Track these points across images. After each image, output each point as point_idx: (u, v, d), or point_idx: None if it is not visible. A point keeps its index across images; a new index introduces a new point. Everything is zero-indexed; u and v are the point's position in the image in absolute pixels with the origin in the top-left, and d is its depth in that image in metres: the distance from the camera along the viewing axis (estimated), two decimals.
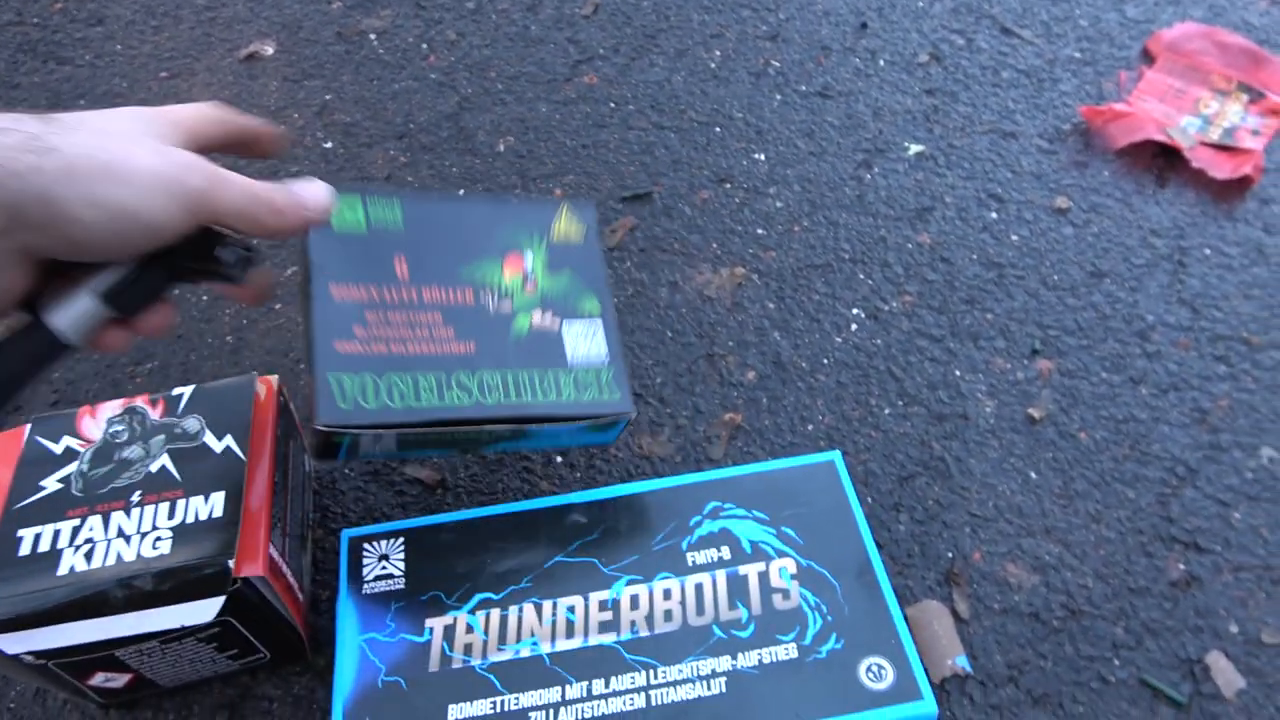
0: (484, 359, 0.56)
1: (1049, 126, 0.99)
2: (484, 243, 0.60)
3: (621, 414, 0.58)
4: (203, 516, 0.54)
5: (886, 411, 0.76)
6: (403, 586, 0.60)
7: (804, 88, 1.03)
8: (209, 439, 0.58)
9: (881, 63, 1.05)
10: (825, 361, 0.79)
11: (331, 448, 0.54)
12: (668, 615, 0.59)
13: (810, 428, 0.74)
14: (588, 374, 0.59)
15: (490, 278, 0.59)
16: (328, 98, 1.01)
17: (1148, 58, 1.06)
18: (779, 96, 1.02)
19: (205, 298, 0.83)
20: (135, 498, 0.55)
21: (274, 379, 0.63)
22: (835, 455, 0.67)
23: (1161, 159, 0.96)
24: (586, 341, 0.60)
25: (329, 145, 0.96)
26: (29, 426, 0.60)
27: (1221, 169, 0.93)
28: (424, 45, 1.07)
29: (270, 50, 1.06)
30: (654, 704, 0.55)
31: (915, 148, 0.96)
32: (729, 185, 0.93)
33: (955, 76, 1.04)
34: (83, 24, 1.09)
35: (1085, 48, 1.08)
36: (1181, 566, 0.67)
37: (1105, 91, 1.02)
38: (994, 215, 0.90)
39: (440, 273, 0.57)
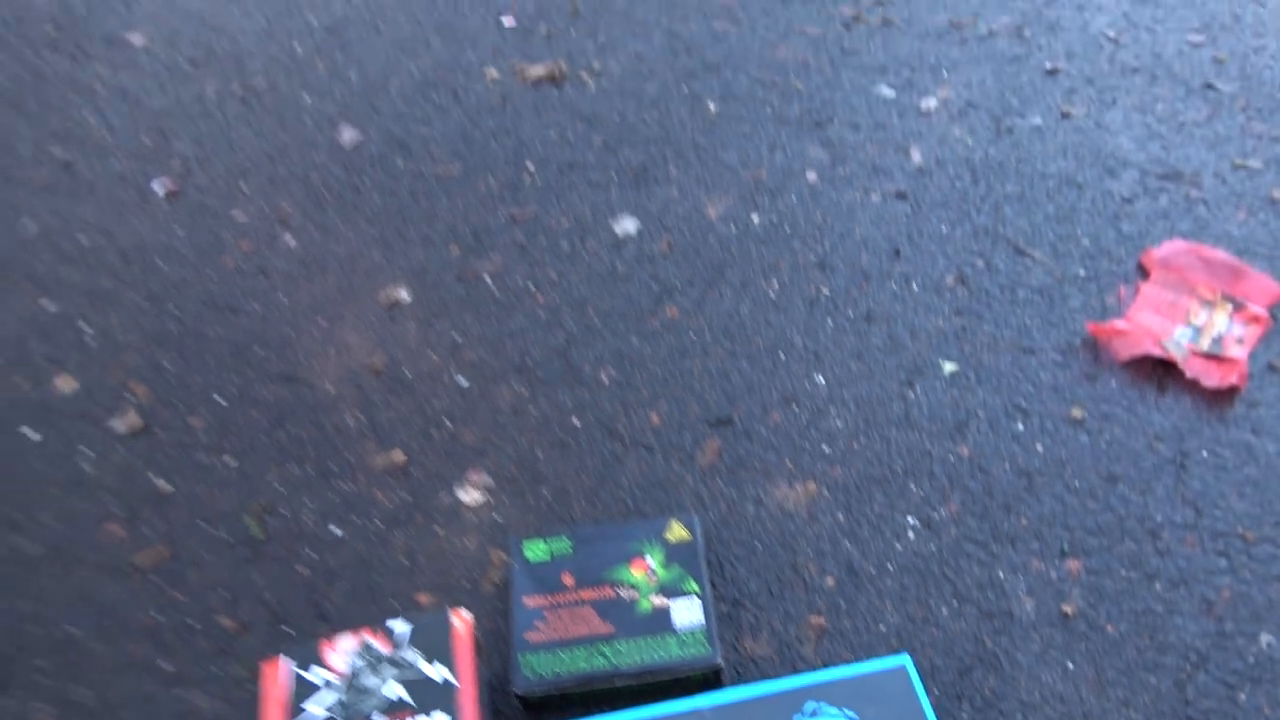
0: (619, 633, 0.85)
1: (1062, 341, 1.18)
2: (621, 552, 0.92)
3: (713, 664, 0.83)
4: None
5: (944, 611, 0.92)
6: None
7: (851, 313, 1.23)
8: (426, 666, 0.76)
9: (915, 287, 1.25)
10: (890, 567, 0.96)
11: (525, 704, 0.84)
12: None
13: (882, 628, 0.91)
14: (688, 635, 0.85)
15: (624, 576, 0.88)
16: (456, 338, 1.22)
17: (1143, 271, 1.26)
18: (830, 321, 1.22)
19: (381, 524, 1.02)
20: None
21: (466, 614, 0.81)
22: (905, 660, 0.84)
23: (1161, 368, 1.14)
24: (689, 613, 0.86)
25: (465, 384, 1.16)
26: (284, 658, 0.78)
27: (1211, 378, 1.11)
28: (530, 285, 1.29)
29: (406, 296, 1.28)
30: None
31: (949, 366, 1.15)
32: (795, 406, 1.12)
33: (979, 297, 1.23)
34: (251, 277, 1.32)
35: (1088, 264, 1.27)
36: None
37: (1108, 305, 1.21)
38: (1020, 427, 1.08)
39: (592, 578, 0.89)
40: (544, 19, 1.87)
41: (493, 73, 1.72)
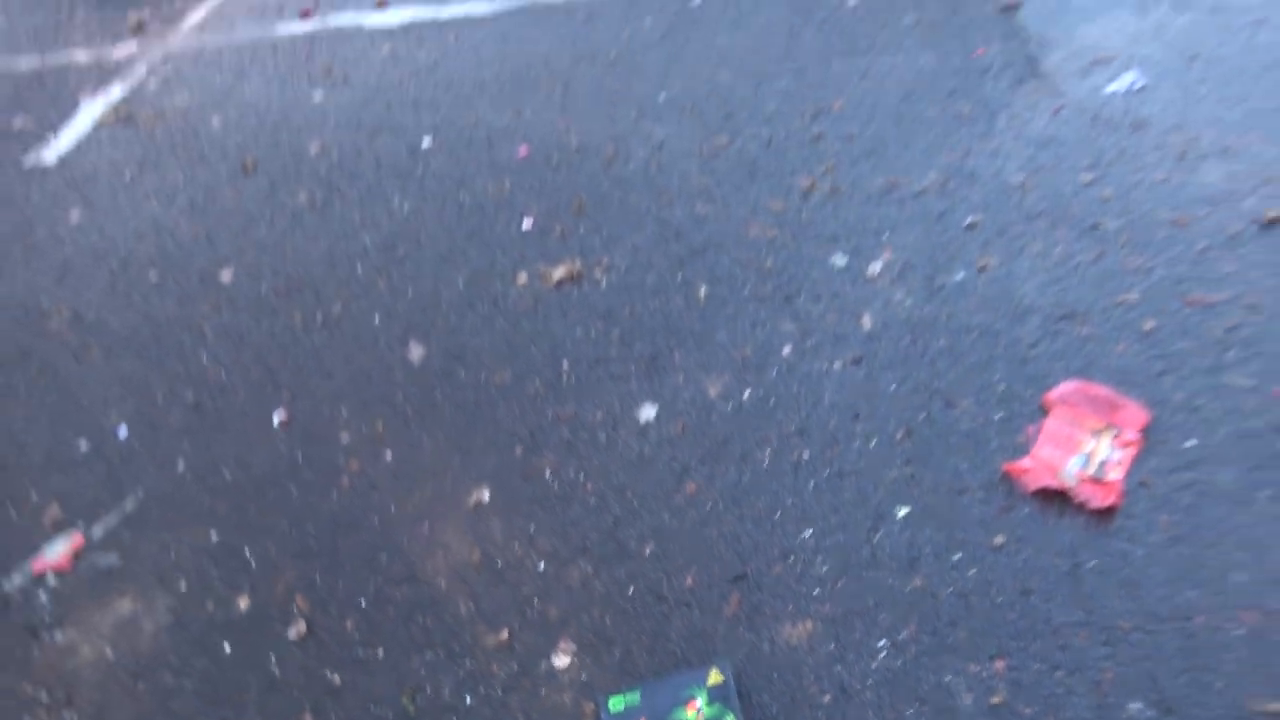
0: None
1: (985, 480, 1.56)
2: (677, 698, 1.26)
3: None
4: None
5: (909, 712, 1.30)
6: None
7: (826, 472, 1.61)
8: None
9: (872, 444, 1.64)
10: (870, 682, 1.34)
11: None
12: None
13: None
14: None
15: (682, 718, 1.22)
16: (531, 529, 1.62)
17: (1044, 410, 1.63)
18: (811, 482, 1.60)
19: (500, 691, 1.41)
20: None
21: None
22: None
23: (1059, 495, 1.51)
24: None
25: (543, 568, 1.56)
26: None
27: (1096, 499, 1.49)
28: (581, 475, 1.69)
29: (487, 497, 1.68)
30: None
31: (903, 510, 1.53)
32: (792, 559, 1.50)
33: (921, 447, 1.62)
34: (364, 494, 1.73)
35: (1004, 408, 1.65)
36: None
37: (1018, 444, 1.59)
38: (958, 557, 1.46)
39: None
40: (556, 218, 2.28)
41: (522, 278, 2.13)
